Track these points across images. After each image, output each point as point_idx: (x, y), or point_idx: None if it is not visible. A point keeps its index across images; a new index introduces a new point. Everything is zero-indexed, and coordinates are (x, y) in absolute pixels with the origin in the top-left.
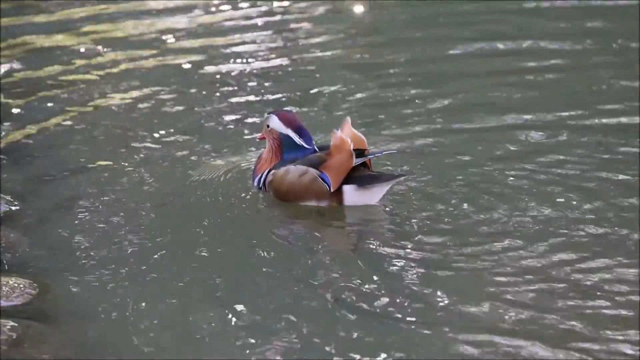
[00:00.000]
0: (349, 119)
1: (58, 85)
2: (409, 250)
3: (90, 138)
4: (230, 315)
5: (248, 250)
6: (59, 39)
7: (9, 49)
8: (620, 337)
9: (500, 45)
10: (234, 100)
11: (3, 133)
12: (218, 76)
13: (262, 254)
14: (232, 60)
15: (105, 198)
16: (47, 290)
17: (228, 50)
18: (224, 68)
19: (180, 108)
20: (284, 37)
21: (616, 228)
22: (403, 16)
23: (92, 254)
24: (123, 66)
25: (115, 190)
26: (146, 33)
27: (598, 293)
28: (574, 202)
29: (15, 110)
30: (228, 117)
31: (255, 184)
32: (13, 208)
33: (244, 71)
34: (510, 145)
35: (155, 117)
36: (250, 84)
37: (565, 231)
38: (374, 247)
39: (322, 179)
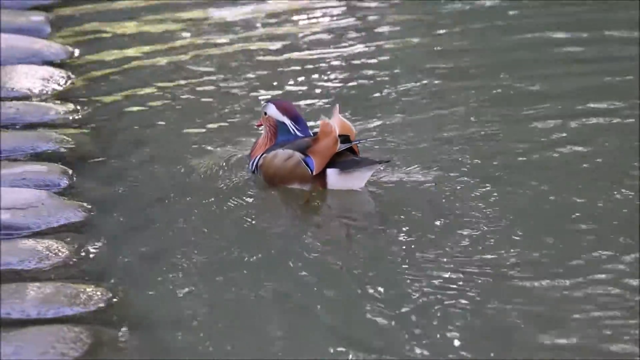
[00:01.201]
0: (337, 106)
1: (131, 78)
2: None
3: (171, 134)
4: (305, 318)
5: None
6: (129, 26)
7: (78, 35)
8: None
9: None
10: (298, 88)
11: (76, 140)
12: (284, 64)
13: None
14: (304, 48)
15: (182, 202)
16: (123, 297)
17: (300, 40)
18: (292, 56)
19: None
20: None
21: None
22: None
23: (169, 260)
24: (194, 52)
25: (196, 192)
26: (215, 22)
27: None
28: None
29: (85, 112)
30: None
31: (250, 167)
32: (90, 216)
33: (321, 60)
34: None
35: (229, 105)
36: (324, 74)
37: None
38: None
39: (306, 163)
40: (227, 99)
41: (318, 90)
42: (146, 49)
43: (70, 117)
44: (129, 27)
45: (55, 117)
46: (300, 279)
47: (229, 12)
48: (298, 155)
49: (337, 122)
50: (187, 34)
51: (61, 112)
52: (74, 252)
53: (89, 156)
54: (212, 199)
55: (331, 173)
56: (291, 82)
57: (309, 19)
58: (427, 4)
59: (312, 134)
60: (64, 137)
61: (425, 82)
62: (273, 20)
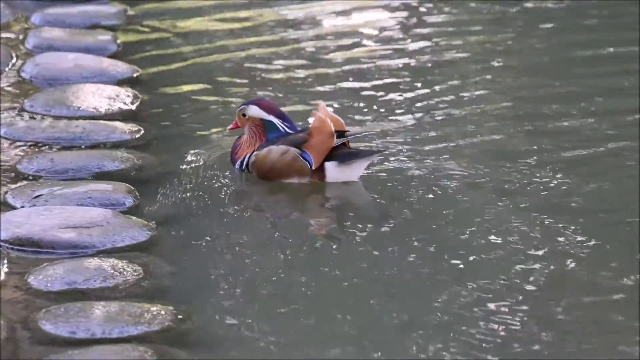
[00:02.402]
0: (322, 102)
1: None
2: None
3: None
4: (380, 339)
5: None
6: (194, 44)
7: (144, 53)
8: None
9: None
10: (357, 85)
11: (141, 159)
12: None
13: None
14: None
15: (248, 219)
16: (187, 316)
17: (360, 37)
18: (352, 53)
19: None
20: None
21: None
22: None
23: (234, 279)
24: (265, 63)
25: (263, 209)
26: (281, 20)
27: None
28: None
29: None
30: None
31: (237, 166)
32: (155, 235)
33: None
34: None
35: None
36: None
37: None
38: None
39: (304, 158)
40: (299, 103)
41: (377, 87)
42: (214, 65)
43: (136, 136)
44: (194, 45)
45: (121, 136)
46: (375, 297)
47: (291, 11)
48: (294, 150)
49: (329, 117)
50: (255, 43)
51: (127, 131)
52: (138, 271)
53: (154, 175)
54: (279, 217)
55: (330, 166)
56: (350, 79)
57: (371, 15)
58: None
59: (299, 130)
60: (130, 156)
61: (478, 79)
62: (334, 18)
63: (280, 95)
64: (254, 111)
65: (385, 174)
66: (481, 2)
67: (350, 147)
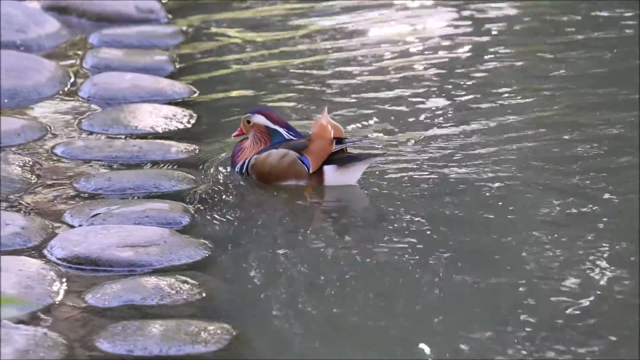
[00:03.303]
0: (326, 108)
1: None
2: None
3: None
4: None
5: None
6: (251, 63)
7: (200, 73)
8: None
9: None
10: (409, 92)
11: (197, 178)
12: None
13: None
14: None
15: (305, 238)
16: (244, 336)
17: (415, 44)
18: (403, 62)
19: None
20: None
21: None
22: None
23: (292, 298)
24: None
25: (320, 227)
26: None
27: None
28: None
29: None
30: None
31: (238, 169)
32: (211, 253)
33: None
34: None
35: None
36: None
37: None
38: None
39: (302, 161)
40: (362, 114)
41: (426, 93)
42: (270, 86)
43: (192, 155)
44: (250, 63)
45: (177, 155)
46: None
47: (340, 21)
48: (293, 154)
49: (330, 123)
50: (309, 57)
51: (183, 150)
52: (195, 290)
53: (210, 194)
54: (335, 235)
55: (328, 169)
56: (401, 87)
57: (423, 22)
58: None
59: (303, 136)
60: (186, 175)
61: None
62: (383, 27)
63: (341, 110)
64: (260, 119)
65: (427, 179)
66: (533, 8)
67: (349, 152)
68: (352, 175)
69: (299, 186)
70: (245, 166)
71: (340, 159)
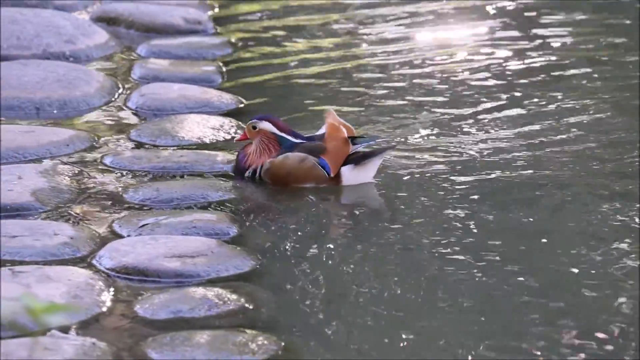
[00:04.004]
0: (332, 109)
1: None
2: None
3: None
4: None
5: None
6: (299, 75)
7: (248, 84)
8: None
9: None
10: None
11: (244, 189)
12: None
13: None
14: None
15: (352, 247)
16: (293, 347)
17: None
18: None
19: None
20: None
21: None
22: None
23: (341, 308)
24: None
25: (366, 238)
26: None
27: None
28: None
29: None
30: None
31: (249, 174)
32: (259, 264)
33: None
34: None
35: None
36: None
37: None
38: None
39: (321, 165)
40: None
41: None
42: (319, 94)
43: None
44: (299, 71)
45: (225, 165)
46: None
47: (388, 28)
48: (312, 159)
49: (340, 124)
50: (357, 64)
51: (231, 160)
52: (243, 301)
53: (258, 205)
54: (387, 246)
55: (345, 170)
56: (444, 91)
57: (464, 27)
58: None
59: (313, 138)
60: (234, 185)
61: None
62: (427, 30)
63: (393, 126)
64: (267, 125)
65: (464, 181)
66: (588, 13)
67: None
68: (369, 172)
69: (318, 187)
70: (258, 172)
71: (356, 157)
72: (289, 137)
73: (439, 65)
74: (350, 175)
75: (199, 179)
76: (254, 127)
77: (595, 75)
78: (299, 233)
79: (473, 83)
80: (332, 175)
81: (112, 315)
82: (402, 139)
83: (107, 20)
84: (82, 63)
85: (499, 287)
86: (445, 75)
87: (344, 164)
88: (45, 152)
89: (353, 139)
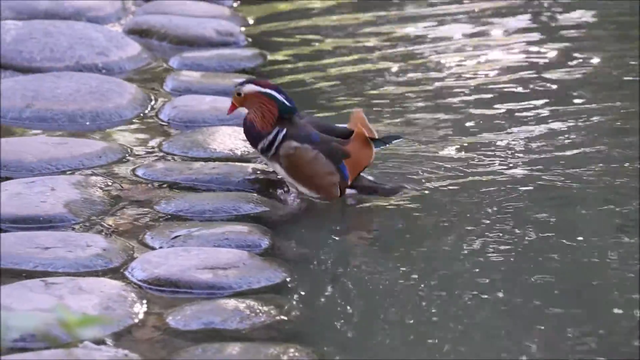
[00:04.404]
0: (360, 110)
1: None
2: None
3: None
4: None
5: None
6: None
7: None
8: None
9: None
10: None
11: (276, 200)
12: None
13: None
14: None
15: (384, 257)
16: (324, 359)
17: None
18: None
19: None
20: None
21: None
22: None
23: (374, 322)
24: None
25: (398, 254)
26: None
27: None
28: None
29: None
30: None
31: (264, 145)
32: (291, 276)
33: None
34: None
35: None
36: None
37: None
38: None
39: (341, 171)
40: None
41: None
42: (353, 105)
43: (272, 178)
44: (331, 85)
45: (257, 177)
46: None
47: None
48: (337, 179)
49: (366, 127)
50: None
51: (262, 172)
52: (275, 313)
53: (290, 217)
54: (420, 257)
55: (349, 193)
56: (477, 93)
57: (498, 28)
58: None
59: (295, 107)
60: (265, 197)
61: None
62: (459, 33)
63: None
64: (250, 87)
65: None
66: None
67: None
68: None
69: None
70: (272, 145)
71: (363, 186)
72: (277, 95)
73: (476, 68)
74: (352, 197)
75: (231, 190)
76: (239, 94)
77: (625, 77)
78: (331, 245)
79: (507, 88)
80: (349, 183)
81: (144, 327)
82: (435, 149)
83: (139, 33)
84: (115, 75)
85: (544, 316)
86: (484, 79)
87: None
88: (78, 164)
89: (377, 141)
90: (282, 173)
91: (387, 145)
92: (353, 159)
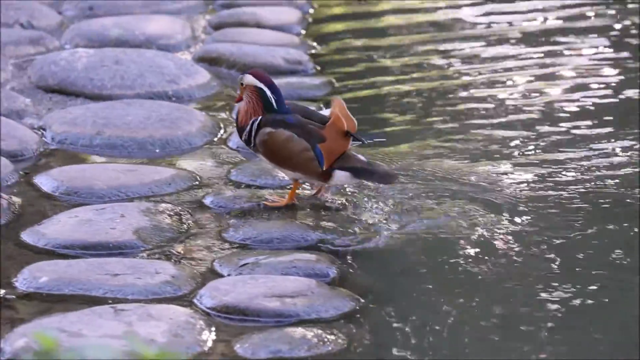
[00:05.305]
0: (339, 98)
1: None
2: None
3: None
4: None
5: None
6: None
7: None
8: None
9: None
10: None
11: (344, 228)
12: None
13: None
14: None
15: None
16: None
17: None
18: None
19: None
20: None
21: None
22: None
23: (446, 353)
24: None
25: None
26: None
27: None
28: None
29: None
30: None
31: (245, 137)
32: (359, 305)
33: None
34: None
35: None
36: None
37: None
38: None
39: (316, 155)
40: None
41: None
42: (417, 138)
43: (340, 206)
44: (400, 112)
45: (325, 204)
46: None
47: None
48: (312, 155)
49: (345, 116)
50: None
51: (330, 200)
52: (343, 342)
53: (357, 245)
54: (490, 283)
55: (341, 175)
56: (542, 109)
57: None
58: None
59: (288, 107)
60: (333, 225)
61: None
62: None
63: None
64: (249, 79)
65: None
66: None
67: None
68: (355, 180)
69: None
70: (251, 135)
71: (357, 168)
72: (267, 91)
73: (532, 86)
74: (341, 179)
75: (299, 218)
76: (242, 83)
77: None
78: (399, 273)
79: (566, 101)
80: (324, 168)
81: (213, 354)
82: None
83: (209, 61)
84: (184, 103)
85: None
86: (541, 98)
87: (343, 166)
88: (147, 191)
89: (353, 135)
90: (265, 161)
91: (366, 142)
92: (328, 144)
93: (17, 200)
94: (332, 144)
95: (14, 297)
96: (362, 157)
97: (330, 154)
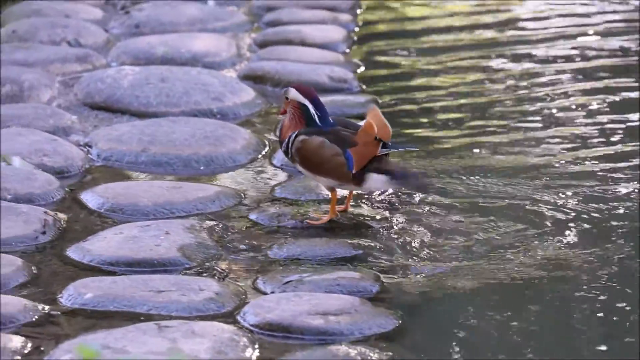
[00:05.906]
0: (375, 106)
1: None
2: None
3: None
4: None
5: None
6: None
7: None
8: None
9: None
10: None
11: (386, 246)
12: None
13: None
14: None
15: (493, 305)
16: None
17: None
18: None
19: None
20: None
21: None
22: None
23: None
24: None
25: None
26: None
27: None
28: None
29: None
30: None
31: (283, 148)
32: (403, 323)
33: None
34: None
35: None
36: None
37: None
38: None
39: (346, 158)
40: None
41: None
42: (464, 160)
43: (384, 223)
44: (445, 129)
45: (369, 222)
46: None
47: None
48: (343, 159)
49: (379, 123)
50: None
51: (375, 217)
52: None
53: (401, 262)
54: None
55: (376, 178)
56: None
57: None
58: None
59: (332, 121)
60: (377, 242)
61: None
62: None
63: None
64: (292, 94)
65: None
66: None
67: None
68: (391, 187)
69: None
70: (289, 146)
71: (393, 171)
72: (310, 107)
73: (582, 102)
74: (377, 183)
75: (341, 235)
76: (286, 97)
77: None
78: (443, 291)
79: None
80: (353, 171)
81: None
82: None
83: (254, 79)
84: (229, 120)
85: None
86: (594, 117)
87: (378, 169)
88: (192, 208)
89: (384, 143)
90: (303, 171)
91: (398, 150)
92: (358, 148)
93: (62, 216)
94: (362, 148)
95: (58, 313)
96: (398, 164)
97: (360, 158)
